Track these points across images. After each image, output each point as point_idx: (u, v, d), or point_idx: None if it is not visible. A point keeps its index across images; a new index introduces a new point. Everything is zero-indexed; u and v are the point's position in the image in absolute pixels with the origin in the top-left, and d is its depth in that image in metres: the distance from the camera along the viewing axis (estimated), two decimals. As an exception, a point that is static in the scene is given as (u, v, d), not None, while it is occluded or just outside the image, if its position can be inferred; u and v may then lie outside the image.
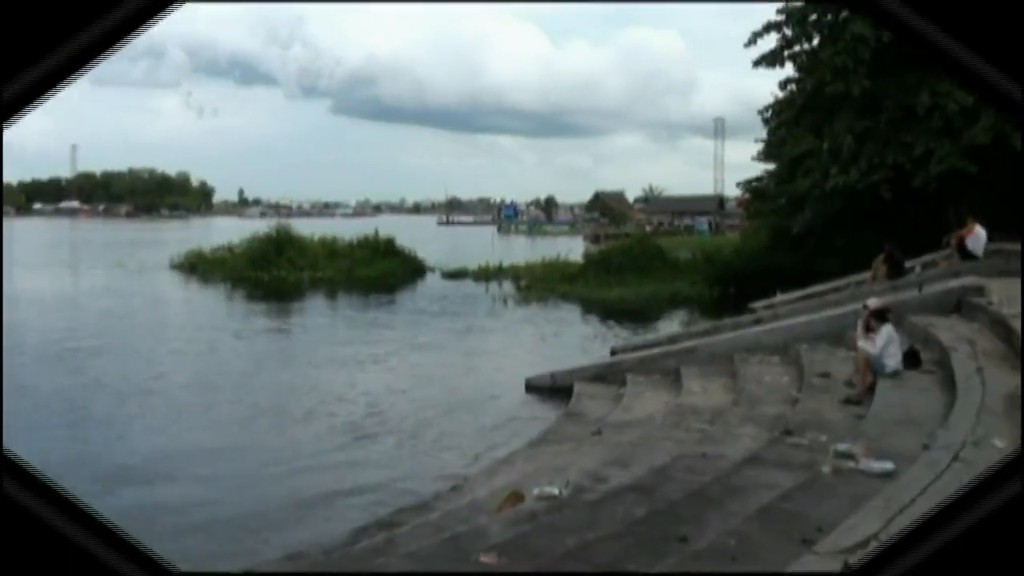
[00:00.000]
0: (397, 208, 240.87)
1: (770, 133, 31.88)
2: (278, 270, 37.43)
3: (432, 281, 37.78)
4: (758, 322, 17.69)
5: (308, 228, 44.59)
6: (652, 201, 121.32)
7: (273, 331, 23.12)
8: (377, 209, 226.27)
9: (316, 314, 26.73)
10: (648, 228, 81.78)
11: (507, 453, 10.75)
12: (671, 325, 23.89)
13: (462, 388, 15.65)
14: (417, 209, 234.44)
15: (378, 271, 38.25)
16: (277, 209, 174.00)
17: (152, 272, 40.60)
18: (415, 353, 19.35)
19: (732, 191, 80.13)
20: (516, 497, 7.74)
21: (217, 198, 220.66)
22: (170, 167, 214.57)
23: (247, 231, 42.02)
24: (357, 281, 35.94)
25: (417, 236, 51.85)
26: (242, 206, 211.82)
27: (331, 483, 10.16)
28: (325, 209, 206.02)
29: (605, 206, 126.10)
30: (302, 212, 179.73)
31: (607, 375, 14.78)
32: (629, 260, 33.70)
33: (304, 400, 14.55)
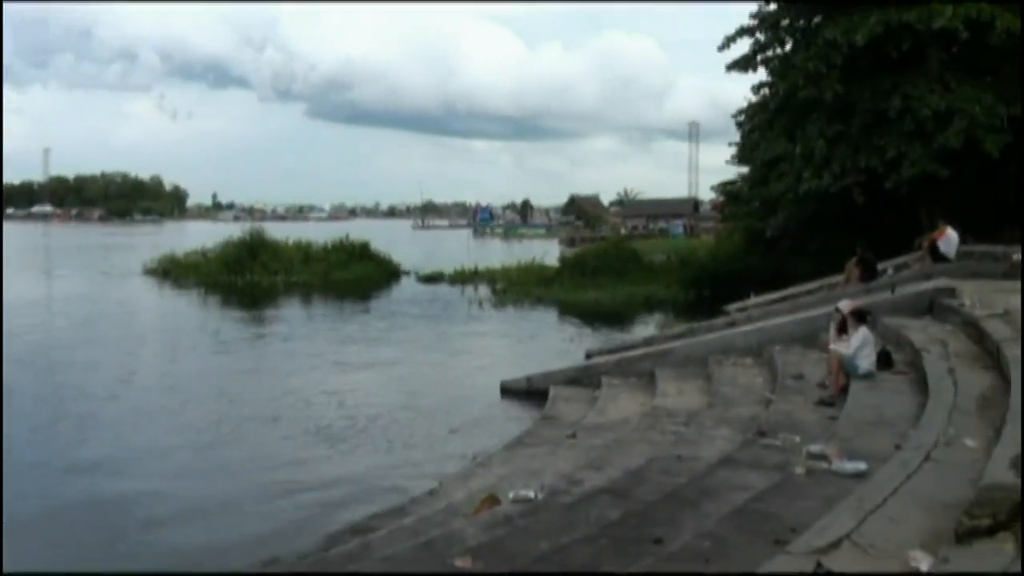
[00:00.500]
0: (372, 212, 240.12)
1: (743, 137, 32.15)
2: (252, 274, 37.18)
3: (407, 285, 37.69)
4: (732, 324, 17.79)
5: (282, 232, 44.34)
6: (627, 204, 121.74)
7: (246, 335, 22.95)
8: (352, 213, 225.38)
9: (290, 318, 26.57)
10: (623, 231, 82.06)
11: (483, 456, 10.74)
12: (646, 328, 23.96)
13: (437, 391, 15.61)
14: (392, 213, 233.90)
15: (353, 275, 38.11)
16: (251, 213, 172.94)
17: (125, 277, 40.21)
18: (390, 357, 19.28)
19: (707, 194, 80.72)
20: (492, 500, 7.74)
21: (191, 202, 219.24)
22: (143, 171, 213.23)
23: (221, 235, 41.66)
24: (332, 285, 35.79)
25: (392, 240, 51.69)
26: (216, 210, 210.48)
27: (303, 487, 10.09)
28: (299, 213, 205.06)
29: (580, 209, 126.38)
30: (276, 216, 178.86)
31: (582, 378, 14.80)
32: (604, 263, 33.80)
33: (277, 405, 14.45)
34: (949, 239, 19.45)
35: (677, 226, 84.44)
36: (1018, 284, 14.20)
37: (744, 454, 8.06)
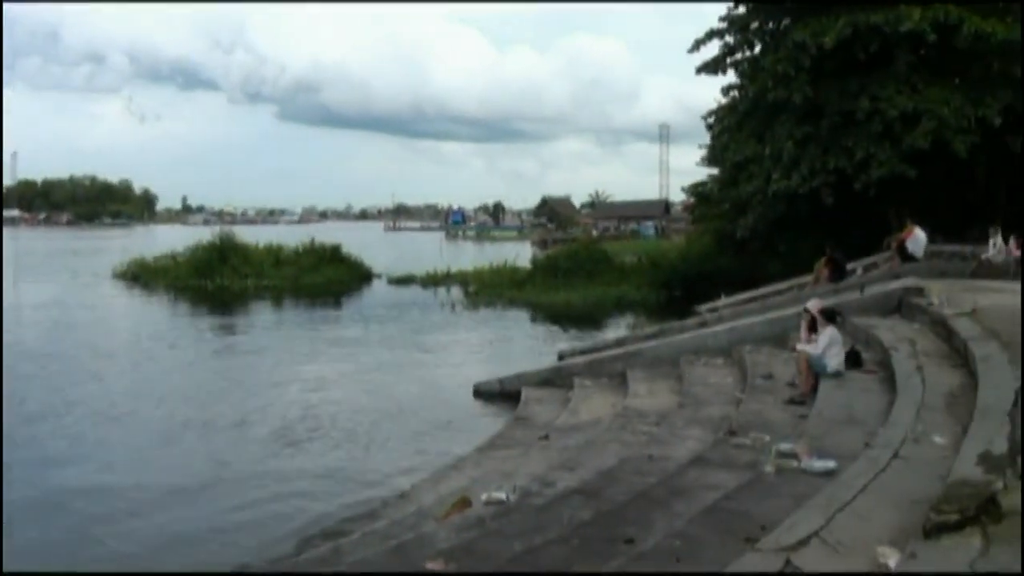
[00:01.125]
0: (344, 215, 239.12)
1: (713, 138, 32.40)
2: (222, 278, 36.85)
3: (379, 288, 37.54)
4: (703, 325, 17.89)
5: (253, 235, 43.98)
6: (598, 206, 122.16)
7: (215, 339, 22.73)
8: (323, 216, 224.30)
9: (259, 322, 26.36)
10: (595, 233, 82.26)
11: (455, 459, 10.71)
12: (618, 329, 24.02)
13: (410, 394, 15.54)
14: (364, 216, 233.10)
15: (324, 278, 37.89)
16: (221, 216, 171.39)
17: (94, 281, 39.71)
18: (362, 360, 19.18)
19: (678, 196, 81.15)
20: (464, 503, 7.72)
21: (160, 205, 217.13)
22: (112, 174, 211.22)
23: (191, 239, 41.26)
24: (303, 289, 35.56)
25: (364, 242, 51.46)
26: (185, 213, 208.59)
27: (272, 491, 10.00)
28: (270, 216, 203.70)
29: (552, 211, 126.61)
30: (247, 219, 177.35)
31: (554, 379, 14.81)
32: (576, 265, 33.87)
33: (245, 409, 14.29)
34: (917, 239, 19.66)
35: (648, 227, 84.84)
36: (986, 283, 14.37)
37: (715, 453, 8.10)
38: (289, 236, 46.09)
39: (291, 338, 22.68)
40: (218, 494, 9.90)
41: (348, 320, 26.88)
